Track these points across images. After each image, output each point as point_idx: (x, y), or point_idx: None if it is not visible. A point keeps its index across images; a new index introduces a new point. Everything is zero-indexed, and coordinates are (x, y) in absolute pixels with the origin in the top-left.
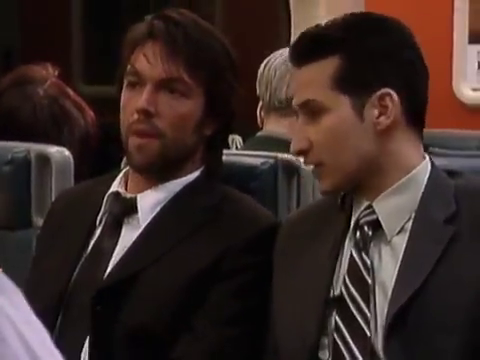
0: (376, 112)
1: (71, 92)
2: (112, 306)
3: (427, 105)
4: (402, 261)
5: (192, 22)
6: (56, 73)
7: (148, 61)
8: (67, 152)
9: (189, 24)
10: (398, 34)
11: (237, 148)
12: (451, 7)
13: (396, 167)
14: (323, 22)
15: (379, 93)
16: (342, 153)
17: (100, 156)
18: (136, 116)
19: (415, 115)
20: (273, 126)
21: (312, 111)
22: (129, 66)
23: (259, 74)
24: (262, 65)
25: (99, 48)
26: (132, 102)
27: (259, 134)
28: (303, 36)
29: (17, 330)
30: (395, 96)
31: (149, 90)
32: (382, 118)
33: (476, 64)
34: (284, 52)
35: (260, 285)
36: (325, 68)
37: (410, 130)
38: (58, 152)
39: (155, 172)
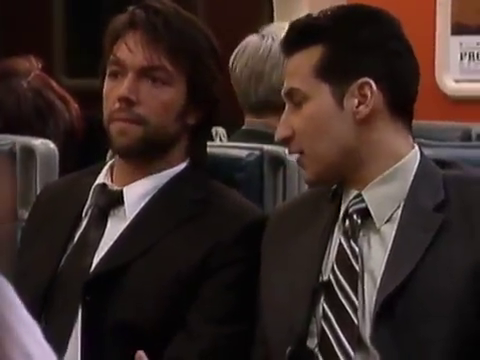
0: (355, 101)
1: (55, 84)
2: (101, 297)
3: (415, 96)
4: (391, 249)
5: (173, 11)
6: (39, 65)
7: (129, 50)
8: (52, 144)
9: (170, 13)
10: (386, 25)
11: (221, 140)
12: None
13: (381, 157)
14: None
15: (359, 82)
16: (321, 141)
17: (85, 149)
18: (117, 105)
19: (401, 105)
20: (250, 123)
21: (295, 100)
22: (111, 56)
23: (230, 68)
24: (231, 59)
25: (80, 41)
26: (114, 91)
27: (244, 128)
28: (292, 26)
29: (8, 326)
30: (374, 86)
31: (131, 78)
32: (361, 107)
33: (459, 55)
34: (248, 44)
35: (251, 279)
36: (309, 57)
37: (396, 120)
38: (43, 144)
39: (137, 156)
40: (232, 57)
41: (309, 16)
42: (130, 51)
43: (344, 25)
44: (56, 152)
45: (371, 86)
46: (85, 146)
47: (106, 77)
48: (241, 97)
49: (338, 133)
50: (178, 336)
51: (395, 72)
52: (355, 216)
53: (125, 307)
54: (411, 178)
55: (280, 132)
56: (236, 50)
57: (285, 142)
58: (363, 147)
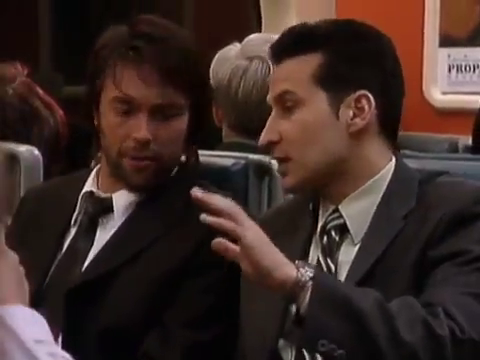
0: (351, 113)
1: (40, 91)
2: (84, 305)
3: (400, 117)
4: (353, 262)
5: (173, 35)
6: (25, 72)
7: (143, 87)
8: (36, 151)
9: (172, 39)
10: (383, 44)
11: None
12: (422, 10)
13: (363, 171)
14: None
15: (357, 94)
16: (312, 149)
17: (69, 155)
18: (133, 144)
19: (388, 124)
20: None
21: (287, 104)
22: (117, 91)
23: (224, 89)
24: (225, 80)
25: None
26: (124, 128)
27: (228, 140)
28: (289, 32)
29: None
30: (372, 100)
31: (146, 118)
32: (357, 120)
33: (446, 67)
34: (247, 68)
35: (231, 283)
36: (307, 63)
37: (382, 137)
38: (27, 151)
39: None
40: (226, 78)
41: (305, 25)
42: (143, 89)
43: (347, 36)
44: (40, 158)
45: (370, 100)
46: (69, 152)
47: (105, 108)
48: (239, 119)
49: (329, 143)
50: (154, 336)
51: (389, 91)
52: (333, 233)
53: (108, 313)
54: (383, 189)
55: (266, 136)
56: (230, 71)
57: (269, 147)
58: (350, 160)
